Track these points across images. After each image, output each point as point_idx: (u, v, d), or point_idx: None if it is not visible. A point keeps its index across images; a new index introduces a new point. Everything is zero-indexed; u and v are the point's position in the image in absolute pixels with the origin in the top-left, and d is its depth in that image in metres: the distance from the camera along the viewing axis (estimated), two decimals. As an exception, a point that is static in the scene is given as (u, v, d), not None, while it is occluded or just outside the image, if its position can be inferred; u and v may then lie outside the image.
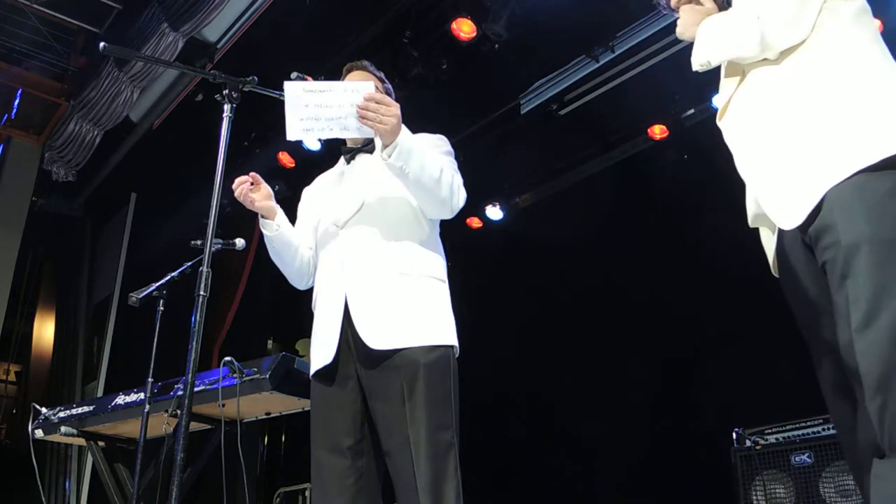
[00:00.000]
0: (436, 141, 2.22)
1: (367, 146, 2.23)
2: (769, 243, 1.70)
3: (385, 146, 1.90)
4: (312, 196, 2.32)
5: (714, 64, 1.69)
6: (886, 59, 1.56)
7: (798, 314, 1.61)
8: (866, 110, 1.46)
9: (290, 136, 1.96)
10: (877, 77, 1.51)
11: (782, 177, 1.54)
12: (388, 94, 2.34)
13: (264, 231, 2.15)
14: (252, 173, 2.13)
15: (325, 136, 1.96)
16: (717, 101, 1.79)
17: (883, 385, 1.31)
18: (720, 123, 1.75)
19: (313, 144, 5.44)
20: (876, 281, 1.35)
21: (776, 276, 1.70)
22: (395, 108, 1.89)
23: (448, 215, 2.09)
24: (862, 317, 1.35)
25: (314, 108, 1.91)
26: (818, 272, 1.50)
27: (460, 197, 2.07)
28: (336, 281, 2.04)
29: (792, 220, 1.51)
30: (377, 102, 1.87)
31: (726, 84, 1.73)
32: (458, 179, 2.10)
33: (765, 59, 1.63)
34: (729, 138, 1.70)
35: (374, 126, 1.88)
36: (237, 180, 2.11)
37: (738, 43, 1.61)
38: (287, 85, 1.93)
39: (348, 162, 2.27)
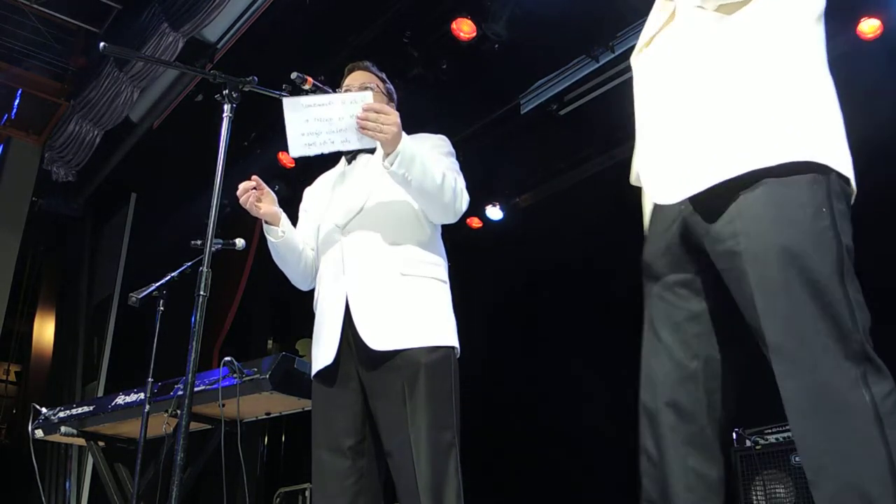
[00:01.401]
0: (437, 141, 2.22)
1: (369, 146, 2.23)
2: (648, 203, 1.60)
3: (386, 154, 1.90)
4: (314, 196, 2.32)
5: None
6: (825, 68, 1.46)
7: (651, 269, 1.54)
8: (789, 110, 1.35)
9: (293, 153, 1.96)
10: (812, 82, 1.41)
11: (681, 147, 1.41)
12: (389, 94, 2.34)
13: (269, 237, 2.13)
14: (254, 177, 2.10)
15: (327, 150, 1.95)
16: (642, 34, 1.59)
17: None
18: (635, 60, 1.60)
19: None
20: (786, 302, 1.26)
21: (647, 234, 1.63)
22: (395, 117, 1.88)
23: (452, 219, 2.09)
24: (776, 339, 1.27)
25: (314, 122, 1.91)
26: (683, 252, 1.46)
27: (463, 200, 2.08)
28: (337, 282, 2.04)
29: (671, 195, 1.40)
30: (376, 112, 1.87)
31: (655, 17, 1.57)
32: (461, 183, 2.09)
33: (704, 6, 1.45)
34: (639, 80, 1.55)
35: (374, 136, 1.87)
36: (242, 187, 2.07)
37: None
38: (286, 101, 1.93)
39: (349, 162, 2.27)
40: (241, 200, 2.08)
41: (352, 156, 2.26)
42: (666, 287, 1.49)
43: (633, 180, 1.62)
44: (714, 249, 1.37)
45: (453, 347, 2.01)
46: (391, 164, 1.89)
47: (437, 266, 2.08)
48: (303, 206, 2.34)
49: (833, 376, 1.20)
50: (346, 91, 2.22)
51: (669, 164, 1.42)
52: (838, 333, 1.22)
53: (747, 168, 1.31)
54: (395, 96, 2.38)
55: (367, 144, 1.93)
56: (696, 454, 1.42)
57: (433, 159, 2.01)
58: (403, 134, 1.91)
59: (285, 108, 1.92)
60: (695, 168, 1.37)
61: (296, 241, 2.19)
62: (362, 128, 1.87)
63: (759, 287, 1.27)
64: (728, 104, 1.37)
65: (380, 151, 2.17)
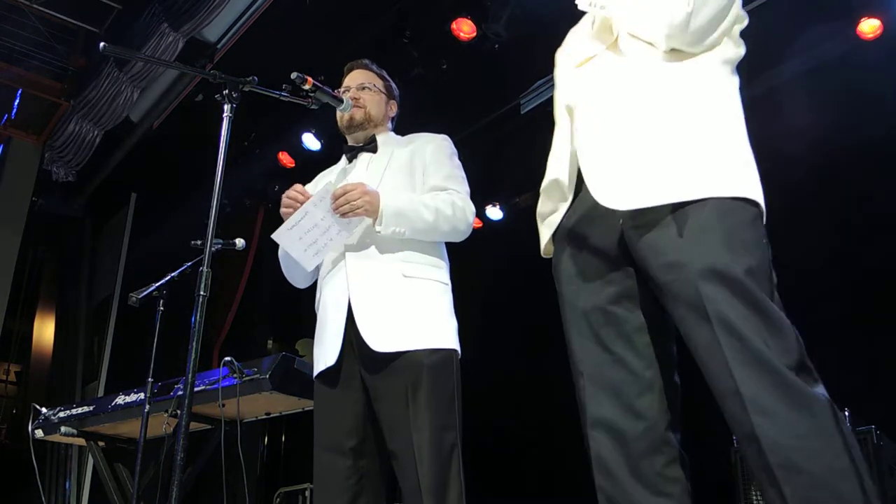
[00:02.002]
0: (440, 143, 2.22)
1: (370, 144, 2.23)
2: (552, 218, 1.61)
3: (374, 221, 1.97)
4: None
5: (605, 9, 1.57)
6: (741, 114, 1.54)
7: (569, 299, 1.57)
8: (728, 148, 1.43)
9: (310, 268, 2.08)
10: (738, 127, 1.49)
11: (629, 162, 1.43)
12: (389, 91, 2.34)
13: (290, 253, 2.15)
14: (298, 186, 2.13)
15: (332, 247, 2.05)
16: (577, 51, 1.67)
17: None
18: (567, 69, 1.65)
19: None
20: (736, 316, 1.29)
21: (546, 255, 1.65)
22: (361, 187, 1.96)
23: (460, 239, 2.13)
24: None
25: (306, 235, 2.01)
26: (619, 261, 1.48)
27: (467, 217, 2.10)
28: (339, 283, 2.04)
29: (622, 202, 1.41)
30: (342, 196, 1.95)
31: (593, 43, 1.62)
32: (461, 200, 2.11)
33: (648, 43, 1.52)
34: (579, 93, 1.57)
35: (355, 215, 1.96)
36: (293, 194, 2.08)
37: (663, 11, 1.47)
38: (275, 237, 2.06)
39: (350, 161, 2.27)
40: (286, 203, 2.09)
41: (353, 154, 2.26)
42: (610, 300, 1.50)
43: (543, 188, 1.64)
44: (656, 262, 1.39)
45: (455, 350, 2.01)
46: (380, 228, 1.97)
47: (438, 269, 2.09)
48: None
49: (791, 377, 1.24)
50: (343, 85, 2.28)
51: (618, 175, 1.44)
52: (784, 343, 1.27)
53: (700, 195, 1.37)
54: (396, 92, 2.38)
55: (355, 224, 2.02)
56: (663, 460, 1.46)
57: (419, 202, 2.04)
58: (379, 192, 1.99)
59: (279, 242, 2.06)
60: (644, 183, 1.41)
61: None
62: (342, 216, 1.96)
63: (708, 300, 1.30)
64: (675, 132, 1.44)
65: (381, 152, 2.18)
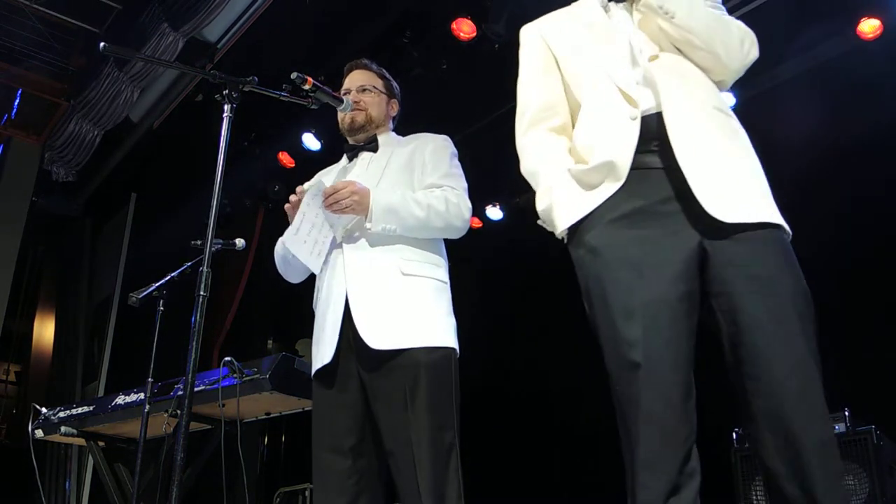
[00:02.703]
0: (440, 143, 2.22)
1: (370, 144, 2.23)
2: (591, 198, 1.58)
3: (366, 218, 2.00)
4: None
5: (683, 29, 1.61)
6: None
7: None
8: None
9: (316, 269, 2.11)
10: None
11: (729, 175, 1.50)
12: (389, 90, 2.34)
13: (291, 250, 2.16)
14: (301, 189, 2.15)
15: (329, 243, 2.08)
16: (615, 38, 1.69)
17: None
18: (641, 61, 1.63)
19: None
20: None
21: (565, 226, 1.62)
22: (350, 185, 1.99)
23: (455, 236, 2.13)
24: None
25: (307, 236, 2.05)
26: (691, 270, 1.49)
27: (463, 213, 2.10)
28: (338, 281, 2.04)
29: (730, 215, 1.46)
30: (332, 195, 1.99)
31: (648, 42, 1.65)
32: (456, 196, 2.11)
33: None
34: (656, 88, 1.59)
35: (346, 212, 2.00)
36: (294, 198, 2.12)
37: (729, 36, 1.60)
38: (286, 244, 2.09)
39: (351, 160, 2.27)
40: (293, 200, 2.11)
41: (353, 153, 2.26)
42: (679, 296, 1.48)
43: (596, 165, 1.59)
44: (745, 273, 1.45)
45: (453, 348, 2.01)
46: (370, 225, 1.98)
47: (437, 267, 2.09)
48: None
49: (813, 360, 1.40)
50: (343, 86, 2.30)
51: (721, 189, 1.49)
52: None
53: (778, 221, 1.50)
54: (396, 90, 2.38)
55: (348, 220, 2.05)
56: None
57: (411, 199, 2.05)
58: (369, 189, 2.01)
59: (290, 249, 2.09)
60: (742, 199, 1.49)
61: None
62: (335, 213, 2.00)
63: (802, 318, 1.43)
64: (747, 155, 1.57)
65: (381, 151, 2.18)
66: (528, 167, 1.79)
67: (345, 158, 2.30)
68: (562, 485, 5.31)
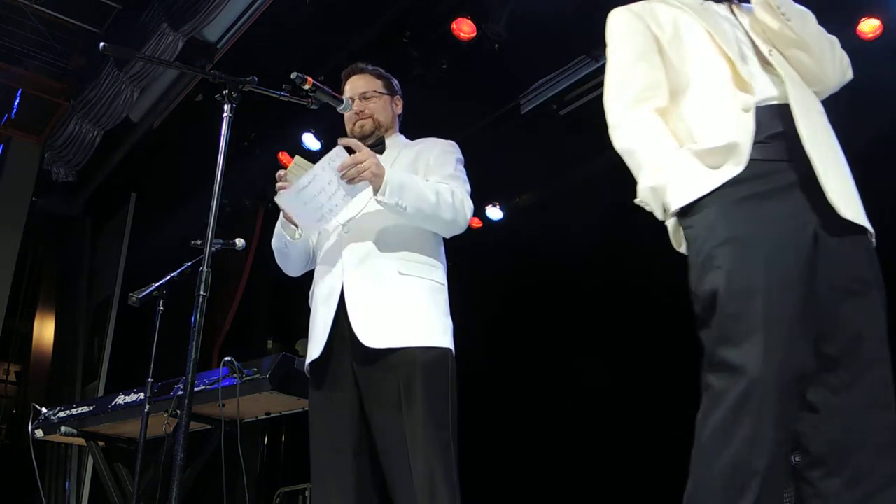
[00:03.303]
0: (446, 147, 2.23)
1: (378, 145, 2.24)
2: (714, 176, 1.55)
3: (376, 189, 1.94)
4: None
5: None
6: None
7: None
8: None
9: (311, 233, 2.08)
10: None
11: (845, 178, 1.59)
12: (391, 88, 2.34)
13: (285, 234, 2.15)
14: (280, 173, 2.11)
15: (337, 212, 2.01)
16: (725, 29, 1.71)
17: None
18: (767, 56, 1.67)
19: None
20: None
21: (684, 202, 1.57)
22: (366, 154, 1.94)
23: (457, 231, 2.12)
24: None
25: (312, 199, 1.97)
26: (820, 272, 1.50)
27: (466, 212, 2.10)
28: (334, 278, 2.04)
29: (856, 216, 1.54)
30: (351, 163, 1.93)
31: (761, 40, 1.69)
32: (462, 193, 2.10)
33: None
34: (782, 80, 1.62)
35: (361, 179, 1.93)
36: (282, 172, 2.08)
37: (834, 53, 1.69)
38: (278, 200, 2.01)
39: None
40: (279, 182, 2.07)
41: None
42: (812, 285, 1.49)
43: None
44: (849, 272, 1.52)
45: (449, 349, 2.01)
46: (383, 196, 1.93)
47: (435, 269, 2.09)
48: None
49: None
50: (343, 93, 2.28)
51: (843, 187, 1.56)
52: None
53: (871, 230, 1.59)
54: (397, 87, 2.38)
55: (360, 189, 1.98)
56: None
57: (423, 183, 2.03)
58: (387, 166, 1.97)
59: (281, 204, 2.01)
60: (854, 199, 1.57)
61: (307, 245, 2.23)
62: (349, 182, 1.93)
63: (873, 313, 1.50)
64: (845, 160, 1.65)
65: (387, 153, 2.18)
66: (629, 145, 1.73)
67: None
68: (560, 485, 5.31)
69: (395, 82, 2.39)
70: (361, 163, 1.92)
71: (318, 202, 1.97)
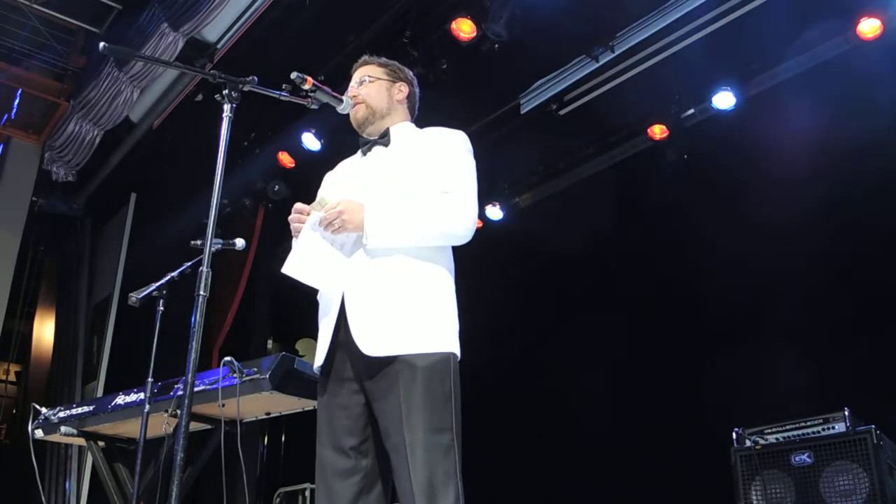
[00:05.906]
0: (456, 142, 2.17)
1: (383, 138, 2.21)
2: None
3: (362, 234, 1.97)
4: (333, 184, 2.29)
5: None
6: None
7: None
8: None
9: (329, 292, 2.07)
10: None
11: None
12: (392, 73, 2.30)
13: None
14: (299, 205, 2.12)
15: (341, 248, 2.05)
16: None
17: None
18: None
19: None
20: None
21: None
22: (339, 206, 1.97)
23: (460, 242, 2.09)
24: None
25: (312, 257, 2.01)
26: None
27: (464, 222, 2.05)
28: (336, 285, 2.03)
29: None
30: (325, 219, 1.97)
31: None
32: (460, 202, 2.06)
33: None
34: None
35: (343, 232, 1.99)
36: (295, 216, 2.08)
37: None
38: (287, 272, 2.02)
39: (364, 154, 2.25)
40: (293, 227, 2.08)
41: (368, 147, 2.24)
42: None
43: None
44: None
45: (452, 353, 1.99)
46: (368, 241, 1.96)
47: (439, 273, 2.06)
48: (320, 192, 2.32)
49: None
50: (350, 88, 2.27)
51: None
52: None
53: None
54: (406, 74, 2.33)
55: (349, 237, 2.03)
56: None
57: (408, 206, 2.02)
58: (364, 205, 1.98)
59: (293, 276, 2.03)
60: None
61: None
62: (334, 233, 1.98)
63: None
64: None
65: (393, 145, 2.17)
66: None
67: (359, 153, 2.27)
68: (562, 486, 5.31)
69: (405, 71, 2.33)
70: (333, 213, 1.96)
71: (320, 260, 2.02)
